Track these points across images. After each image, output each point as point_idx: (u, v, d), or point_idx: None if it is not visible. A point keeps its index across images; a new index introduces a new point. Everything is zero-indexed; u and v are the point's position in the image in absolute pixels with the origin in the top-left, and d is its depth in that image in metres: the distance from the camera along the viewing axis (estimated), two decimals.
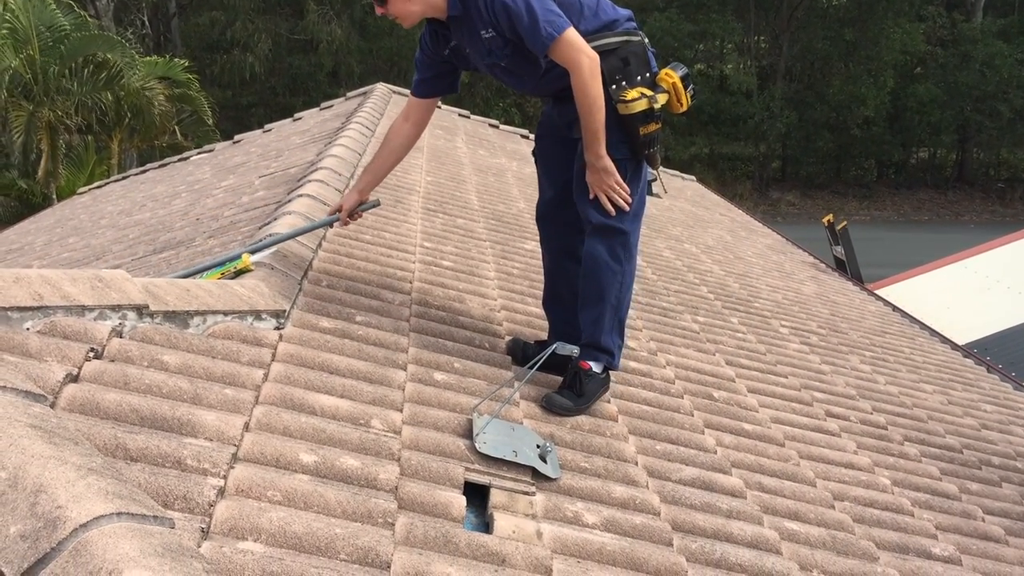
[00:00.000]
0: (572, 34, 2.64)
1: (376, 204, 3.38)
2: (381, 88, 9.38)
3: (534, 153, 3.16)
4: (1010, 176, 36.54)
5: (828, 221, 10.06)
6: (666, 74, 2.80)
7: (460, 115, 10.07)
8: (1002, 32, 34.82)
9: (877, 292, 8.43)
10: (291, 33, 32.79)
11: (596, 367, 2.87)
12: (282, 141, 7.83)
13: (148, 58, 18.44)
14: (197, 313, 2.52)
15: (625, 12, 2.85)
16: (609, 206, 2.78)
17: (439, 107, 9.87)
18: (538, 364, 2.67)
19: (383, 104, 8.50)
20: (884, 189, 35.78)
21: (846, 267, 9.09)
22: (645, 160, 2.85)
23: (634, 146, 2.79)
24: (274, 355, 2.51)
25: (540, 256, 3.29)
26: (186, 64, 18.50)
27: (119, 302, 2.36)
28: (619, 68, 2.75)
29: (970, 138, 35.81)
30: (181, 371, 2.22)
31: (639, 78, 2.76)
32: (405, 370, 2.72)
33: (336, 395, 2.39)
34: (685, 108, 2.83)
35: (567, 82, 2.71)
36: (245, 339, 2.54)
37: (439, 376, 2.75)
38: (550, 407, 2.76)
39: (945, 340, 6.56)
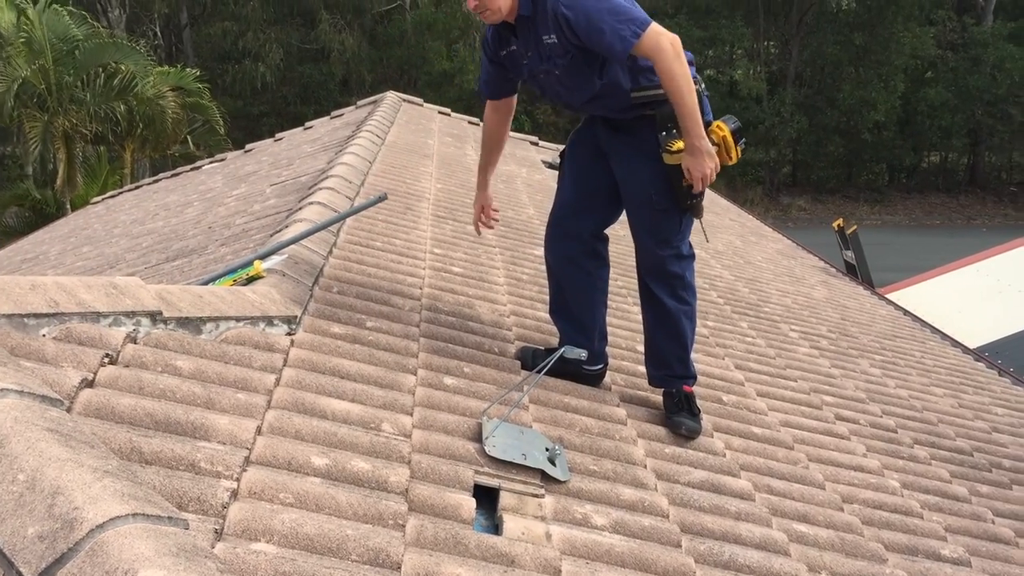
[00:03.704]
0: (648, 30, 2.64)
1: (383, 198, 3.42)
2: (391, 97, 9.43)
3: (562, 155, 3.18)
4: (1022, 179, 36.36)
5: (838, 226, 10.04)
6: (718, 127, 2.80)
7: (470, 123, 10.10)
8: (1013, 35, 34.66)
9: (888, 296, 8.41)
10: (302, 43, 32.95)
11: (692, 387, 3.06)
12: (293, 150, 7.88)
13: (160, 68, 18.58)
14: (210, 319, 2.56)
15: (688, 55, 2.79)
16: (699, 186, 2.77)
17: (448, 115, 9.91)
18: (546, 368, 2.69)
19: (393, 112, 8.54)
20: (895, 193, 35.64)
21: (856, 271, 9.07)
22: (689, 212, 2.87)
23: (677, 196, 2.82)
24: (286, 360, 2.54)
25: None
26: (198, 74, 18.65)
27: (133, 308, 2.39)
28: (671, 116, 2.75)
29: (981, 142, 35.64)
30: (194, 376, 2.25)
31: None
32: (415, 375, 2.75)
33: (347, 399, 2.42)
34: (734, 162, 2.83)
35: (614, 111, 2.82)
36: (257, 344, 2.57)
37: (449, 380, 2.77)
38: (681, 431, 2.92)
39: (956, 344, 6.55)
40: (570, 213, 3.06)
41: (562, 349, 2.79)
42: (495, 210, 3.39)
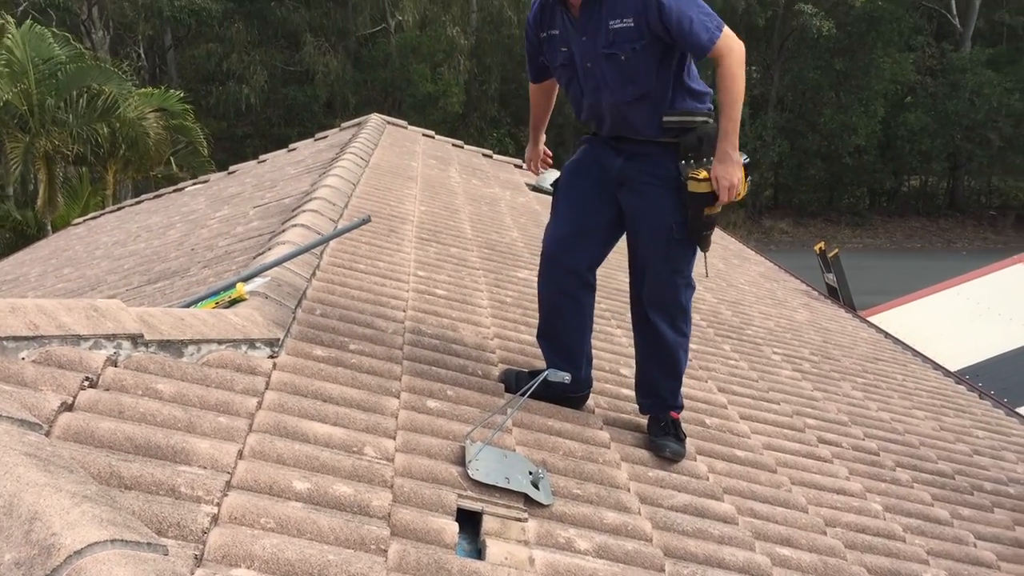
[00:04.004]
0: (725, 30, 2.74)
1: (366, 220, 3.42)
2: (375, 119, 9.45)
3: (557, 184, 3.13)
4: (1001, 203, 36.78)
5: (820, 249, 10.11)
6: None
7: (454, 145, 10.13)
8: (991, 61, 35.19)
9: (869, 319, 8.46)
10: (287, 65, 33.03)
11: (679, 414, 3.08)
12: (277, 171, 7.88)
13: (144, 89, 18.56)
14: (192, 342, 2.54)
15: (708, 89, 2.91)
16: (726, 197, 2.79)
17: (433, 138, 9.94)
18: (530, 391, 2.69)
19: (377, 135, 8.56)
20: (876, 217, 35.97)
21: (838, 294, 9.13)
22: (700, 243, 2.89)
23: (696, 226, 2.83)
24: (268, 383, 2.53)
25: (534, 285, 3.32)
26: (181, 95, 18.64)
27: (114, 331, 2.38)
28: (694, 146, 2.80)
29: (961, 166, 36.08)
30: (175, 399, 2.23)
31: (706, 160, 2.79)
32: (398, 398, 2.74)
33: (329, 423, 2.40)
34: (741, 197, 2.84)
35: (641, 124, 2.83)
36: (239, 367, 2.56)
37: (432, 404, 2.76)
38: (665, 453, 2.92)
39: (937, 367, 6.59)
40: (567, 248, 3.01)
41: (545, 372, 2.79)
42: (549, 155, 3.45)
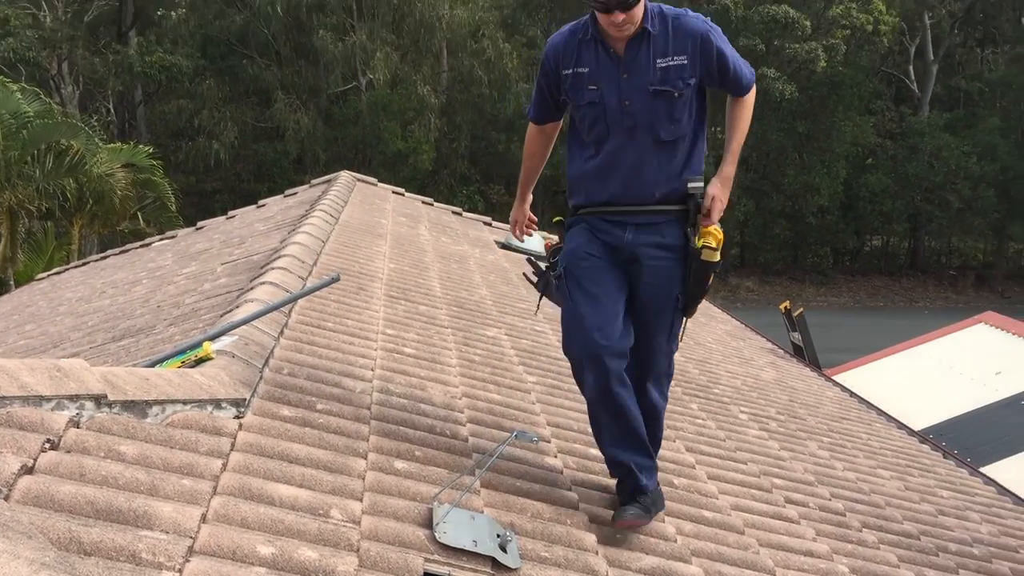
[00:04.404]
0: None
1: (336, 279, 3.41)
2: (345, 176, 9.49)
3: (566, 275, 2.92)
4: (961, 263, 37.56)
5: (785, 308, 10.23)
6: (715, 229, 2.86)
7: (424, 202, 10.19)
8: (948, 125, 36.24)
9: (834, 378, 8.55)
10: (257, 121, 33.20)
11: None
12: (246, 228, 7.87)
13: (112, 144, 18.53)
14: (156, 402, 2.51)
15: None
16: (716, 217, 2.85)
17: (402, 195, 10.00)
18: (498, 453, 2.68)
19: (347, 192, 8.60)
20: (840, 276, 36.54)
21: (804, 353, 9.22)
22: (685, 314, 2.93)
23: (698, 294, 2.87)
24: (233, 444, 2.50)
25: (502, 344, 3.32)
26: (150, 150, 18.62)
27: (77, 392, 2.35)
28: (696, 213, 2.86)
29: (921, 226, 36.86)
30: (138, 462, 2.20)
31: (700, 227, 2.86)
32: (366, 459, 2.71)
33: (295, 484, 2.38)
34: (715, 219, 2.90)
35: (654, 185, 2.84)
36: (204, 428, 2.53)
37: (400, 465, 2.74)
38: (626, 516, 2.78)
39: (901, 426, 6.65)
40: (611, 334, 2.80)
41: (514, 434, 2.78)
42: (534, 219, 3.31)
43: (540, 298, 3.21)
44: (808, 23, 32.20)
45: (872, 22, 32.69)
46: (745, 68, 2.96)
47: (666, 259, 2.85)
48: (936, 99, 38.35)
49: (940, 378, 9.11)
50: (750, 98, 3.00)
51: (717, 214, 2.84)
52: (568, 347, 2.90)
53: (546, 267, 3.10)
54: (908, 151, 35.44)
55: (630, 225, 2.88)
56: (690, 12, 2.91)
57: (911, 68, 37.34)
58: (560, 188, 3.20)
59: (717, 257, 2.82)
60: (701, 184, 2.88)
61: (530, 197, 3.27)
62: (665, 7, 2.85)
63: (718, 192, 2.86)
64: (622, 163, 2.85)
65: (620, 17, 2.69)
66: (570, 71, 2.88)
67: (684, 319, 2.96)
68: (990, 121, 36.05)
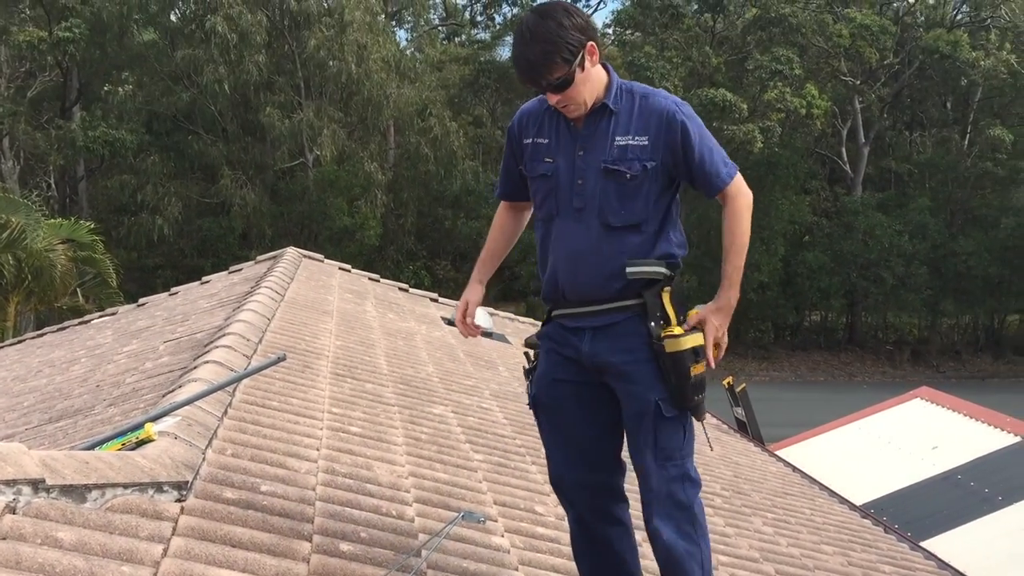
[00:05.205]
0: (737, 172, 2.64)
1: (281, 359, 3.40)
2: (291, 252, 9.48)
3: (535, 404, 2.76)
4: (897, 339, 38.49)
5: (728, 383, 10.36)
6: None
7: (370, 279, 10.20)
8: (880, 205, 37.54)
9: (778, 452, 8.65)
10: (202, 196, 33.03)
11: None
12: (189, 305, 7.78)
13: (52, 220, 18.26)
14: (96, 487, 2.47)
15: (684, 241, 2.78)
16: (713, 355, 2.58)
17: (349, 271, 10.00)
18: (444, 534, 2.67)
19: (293, 268, 8.58)
20: (781, 351, 37.15)
21: (747, 428, 9.32)
22: (693, 411, 2.59)
23: (683, 393, 2.51)
24: (175, 529, 2.46)
25: (449, 422, 3.32)
26: (92, 226, 18.37)
27: (14, 476, 2.30)
28: (661, 305, 2.58)
29: (858, 302, 37.81)
30: (76, 548, 2.15)
31: (681, 317, 2.61)
32: (310, 541, 2.68)
33: (238, 569, 2.34)
34: (715, 364, 2.60)
35: (604, 279, 2.56)
36: (145, 513, 2.48)
37: (345, 547, 2.71)
38: None
39: (843, 501, 6.73)
40: (576, 470, 2.68)
41: (460, 514, 2.77)
42: (477, 326, 2.95)
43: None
44: (745, 106, 33.28)
45: (806, 106, 33.93)
46: (721, 162, 2.60)
47: (632, 363, 2.56)
48: (868, 179, 39.75)
49: (879, 453, 9.27)
50: (741, 205, 2.61)
51: (713, 350, 2.58)
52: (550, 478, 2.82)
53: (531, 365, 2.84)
54: (843, 229, 36.53)
55: (587, 331, 2.62)
56: (662, 92, 2.66)
57: (844, 150, 38.73)
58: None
59: (684, 345, 2.50)
60: (648, 269, 2.60)
61: (486, 281, 2.97)
62: (637, 85, 2.66)
63: (719, 323, 2.60)
64: (568, 247, 2.61)
65: (555, 98, 2.53)
66: (530, 140, 2.70)
67: (685, 433, 2.61)
68: (920, 201, 37.43)
